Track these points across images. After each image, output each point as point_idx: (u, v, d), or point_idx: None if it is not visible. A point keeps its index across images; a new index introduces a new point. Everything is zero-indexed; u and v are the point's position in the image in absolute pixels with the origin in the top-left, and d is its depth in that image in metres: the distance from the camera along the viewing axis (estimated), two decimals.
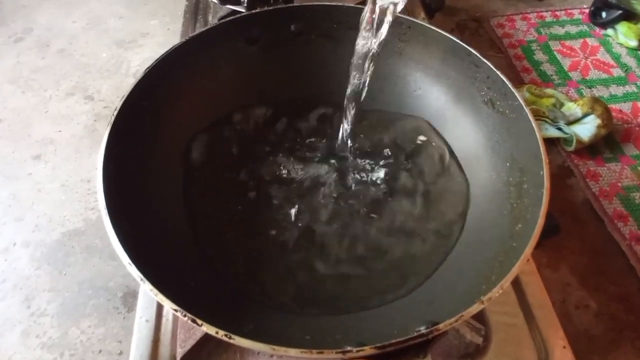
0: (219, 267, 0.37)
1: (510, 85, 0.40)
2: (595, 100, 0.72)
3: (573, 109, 0.73)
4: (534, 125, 0.37)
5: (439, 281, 0.36)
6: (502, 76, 0.41)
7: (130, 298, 0.55)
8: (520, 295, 0.42)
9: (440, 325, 0.26)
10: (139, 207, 0.36)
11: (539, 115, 0.73)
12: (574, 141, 0.70)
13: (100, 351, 0.51)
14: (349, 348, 0.27)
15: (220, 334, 0.26)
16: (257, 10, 0.47)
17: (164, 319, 0.40)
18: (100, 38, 0.87)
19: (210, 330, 0.26)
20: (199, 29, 0.45)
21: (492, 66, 0.42)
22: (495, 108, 0.42)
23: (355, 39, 0.48)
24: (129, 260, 0.29)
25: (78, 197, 0.65)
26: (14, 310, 0.54)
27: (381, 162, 0.46)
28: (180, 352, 0.38)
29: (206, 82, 0.46)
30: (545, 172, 0.34)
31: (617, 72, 0.83)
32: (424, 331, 0.26)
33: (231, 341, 0.26)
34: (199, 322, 0.26)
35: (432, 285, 0.36)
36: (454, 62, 0.45)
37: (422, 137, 0.47)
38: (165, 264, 0.33)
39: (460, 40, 0.44)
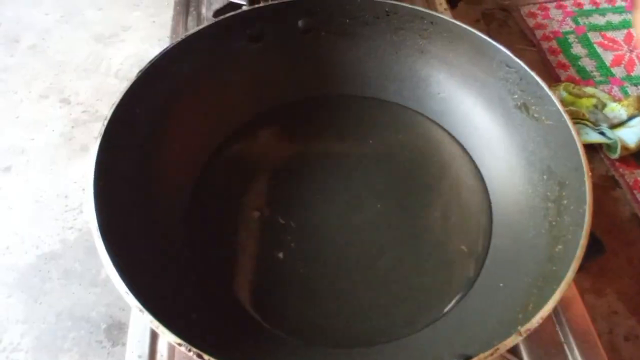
0: (221, 295, 0.38)
1: (546, 88, 0.42)
2: None
3: (617, 110, 0.74)
4: (573, 133, 0.38)
5: (469, 309, 0.38)
6: (536, 77, 0.42)
7: (115, 330, 0.57)
8: (559, 324, 0.44)
9: (481, 356, 0.28)
10: (133, 226, 0.37)
11: (578, 118, 0.75)
12: (619, 147, 0.71)
13: None
14: None
15: None
16: (260, 5, 0.49)
17: (158, 355, 0.41)
18: (76, 32, 0.89)
19: None
20: (195, 27, 0.46)
21: (525, 66, 0.44)
22: (529, 113, 0.44)
23: (371, 36, 0.50)
24: (126, 289, 0.30)
25: (54, 214, 0.66)
26: None
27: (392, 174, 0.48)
28: None
29: (205, 86, 0.48)
30: (588, 187, 0.36)
31: None
32: None
33: None
34: (206, 357, 0.28)
35: (460, 313, 0.38)
36: (482, 62, 0.46)
37: (442, 148, 0.50)
38: (164, 292, 0.34)
39: (488, 36, 0.46)
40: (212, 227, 0.44)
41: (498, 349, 0.28)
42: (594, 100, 0.76)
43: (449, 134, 0.49)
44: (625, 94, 0.82)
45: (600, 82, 0.83)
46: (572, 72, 0.85)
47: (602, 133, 0.73)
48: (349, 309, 0.39)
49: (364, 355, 0.36)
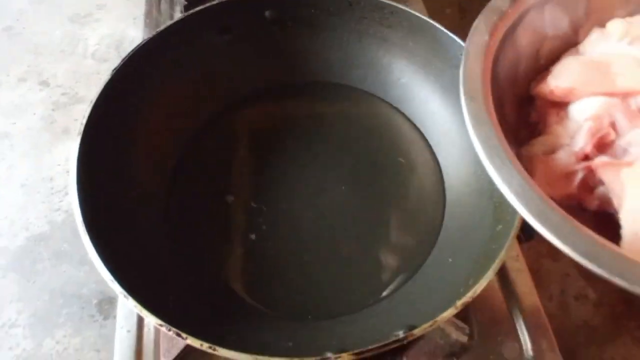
0: (200, 275, 0.43)
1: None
2: None
3: None
4: None
5: (421, 283, 0.42)
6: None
7: (105, 305, 0.61)
8: (507, 292, 0.49)
9: (415, 331, 0.32)
10: (116, 217, 0.41)
11: None
12: None
13: None
14: (328, 354, 0.33)
15: (205, 347, 0.32)
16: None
17: (145, 329, 0.46)
18: (51, 13, 0.90)
19: (195, 343, 0.32)
20: (168, 22, 0.49)
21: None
22: None
23: (336, 26, 0.53)
24: (111, 277, 0.34)
25: (41, 197, 0.69)
26: None
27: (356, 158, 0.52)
28: None
29: (179, 78, 0.51)
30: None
31: None
32: (399, 337, 0.33)
33: (215, 352, 0.32)
34: (184, 335, 0.32)
35: (413, 286, 0.42)
36: (439, 51, 0.50)
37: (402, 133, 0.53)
38: (146, 276, 0.38)
39: (445, 27, 0.49)
40: (189, 212, 0.48)
41: (436, 321, 0.33)
42: None
43: (409, 119, 0.53)
44: None
45: None
46: None
47: None
48: (314, 284, 0.44)
49: (328, 325, 0.40)
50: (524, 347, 0.45)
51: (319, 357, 0.32)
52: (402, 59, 0.53)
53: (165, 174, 0.49)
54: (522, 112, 0.49)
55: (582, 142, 0.42)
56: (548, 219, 0.34)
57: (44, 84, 0.81)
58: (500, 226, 0.40)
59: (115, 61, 0.84)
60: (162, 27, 0.48)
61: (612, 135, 0.42)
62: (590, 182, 0.42)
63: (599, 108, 0.43)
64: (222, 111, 0.54)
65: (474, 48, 0.42)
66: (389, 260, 0.45)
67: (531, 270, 0.66)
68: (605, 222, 0.39)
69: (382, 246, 0.46)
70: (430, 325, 0.33)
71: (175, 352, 0.43)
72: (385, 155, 0.51)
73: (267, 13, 0.52)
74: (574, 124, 0.44)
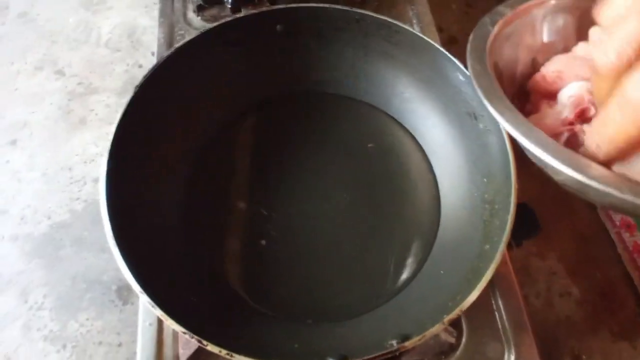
0: (215, 281, 0.47)
1: (487, 102, 0.48)
2: None
3: None
4: (508, 148, 0.46)
5: (415, 292, 0.47)
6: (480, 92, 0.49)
7: (124, 291, 0.67)
8: (494, 296, 0.53)
9: (407, 344, 0.37)
10: (142, 229, 0.45)
11: None
12: None
13: (100, 343, 0.63)
14: None
15: (223, 353, 0.37)
16: (242, 15, 0.53)
17: (165, 323, 0.51)
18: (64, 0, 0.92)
19: (215, 349, 0.37)
20: (181, 41, 0.52)
21: (475, 80, 0.50)
22: (477, 120, 0.51)
23: (343, 40, 0.56)
24: (140, 290, 0.39)
25: (60, 187, 0.74)
26: (12, 305, 0.65)
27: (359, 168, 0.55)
28: (182, 352, 0.49)
29: (195, 90, 0.54)
30: (513, 199, 0.44)
31: None
32: (393, 348, 0.37)
33: (233, 359, 0.37)
34: (205, 342, 0.37)
35: (407, 295, 0.47)
36: (441, 70, 0.52)
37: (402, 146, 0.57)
38: (169, 285, 0.43)
39: (447, 51, 0.52)
40: (204, 218, 0.52)
41: (425, 335, 0.38)
42: None
43: (410, 133, 0.57)
44: None
45: None
46: None
47: None
48: (318, 289, 0.49)
49: (328, 329, 0.45)
50: (505, 348, 0.51)
51: None
52: (405, 75, 0.56)
53: (181, 181, 0.53)
54: (518, 106, 0.54)
55: (566, 112, 0.48)
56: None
57: (60, 73, 0.84)
58: (487, 246, 0.44)
59: (128, 51, 0.88)
60: (177, 45, 0.51)
61: (592, 111, 0.48)
62: (574, 144, 0.47)
63: (580, 88, 0.48)
64: (234, 120, 0.57)
65: (479, 35, 0.47)
66: (387, 268, 0.50)
67: (520, 268, 0.72)
68: None
69: (380, 254, 0.50)
70: (420, 339, 0.37)
71: (193, 344, 0.48)
72: (385, 167, 0.55)
73: (278, 27, 0.55)
74: (561, 107, 0.49)
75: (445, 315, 0.39)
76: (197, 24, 0.72)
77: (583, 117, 0.48)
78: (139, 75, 0.84)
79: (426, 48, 0.52)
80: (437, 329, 0.38)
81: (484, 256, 0.44)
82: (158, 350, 0.49)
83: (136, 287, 0.39)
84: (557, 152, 0.38)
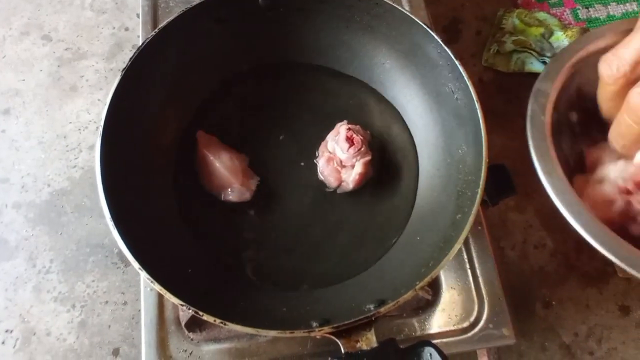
0: (210, 252, 0.51)
1: (467, 79, 0.50)
2: (584, 31, 0.80)
3: (561, 39, 0.82)
4: (482, 124, 0.48)
5: (393, 258, 0.51)
6: (460, 68, 0.51)
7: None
8: (469, 254, 0.58)
9: (381, 309, 0.42)
10: (137, 208, 0.49)
11: (525, 47, 0.82)
12: None
13: (107, 302, 0.68)
14: (314, 324, 0.42)
15: (217, 322, 0.41)
16: None
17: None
18: None
19: (209, 319, 0.41)
20: (168, 17, 0.53)
21: (452, 55, 0.51)
22: (453, 93, 0.53)
23: (325, 12, 0.57)
24: (139, 266, 0.43)
25: (57, 154, 0.76)
26: (21, 269, 0.69)
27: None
28: (182, 314, 0.54)
29: (180, 68, 0.56)
30: (483, 173, 0.47)
31: None
32: (370, 312, 0.42)
33: (226, 327, 0.41)
34: (201, 313, 0.41)
35: (386, 262, 0.51)
36: (420, 43, 0.54)
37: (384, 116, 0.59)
38: (166, 259, 0.47)
39: (425, 23, 0.53)
40: (195, 191, 0.55)
41: (399, 301, 0.42)
42: (541, 30, 0.83)
43: (390, 103, 0.59)
44: (576, 17, 0.88)
45: (554, 5, 0.89)
46: None
47: (545, 62, 0.81)
48: (305, 257, 0.53)
49: (314, 295, 0.50)
50: (477, 302, 0.55)
51: (305, 330, 0.41)
52: (385, 46, 0.57)
53: (171, 156, 0.56)
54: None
55: (623, 177, 0.55)
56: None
57: (46, 38, 0.84)
58: (459, 215, 0.48)
59: (113, 13, 0.88)
60: (162, 25, 0.52)
61: None
62: (631, 213, 0.55)
63: None
64: (219, 92, 0.59)
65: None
66: (368, 235, 0.54)
67: (498, 222, 0.76)
68: None
69: (362, 222, 0.54)
70: (394, 305, 0.42)
71: None
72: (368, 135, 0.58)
73: (260, 1, 0.56)
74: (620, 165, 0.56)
75: (417, 282, 0.43)
76: None
77: None
78: (126, 38, 0.85)
79: (404, 20, 0.54)
80: (409, 295, 0.42)
81: (456, 225, 0.47)
82: (160, 313, 0.54)
83: (135, 264, 0.43)
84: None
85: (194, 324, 0.52)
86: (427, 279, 0.43)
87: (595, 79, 0.51)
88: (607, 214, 0.55)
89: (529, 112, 0.55)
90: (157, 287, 0.42)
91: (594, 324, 0.68)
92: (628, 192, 0.55)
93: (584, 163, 0.62)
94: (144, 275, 0.43)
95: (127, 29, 0.86)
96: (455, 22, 0.88)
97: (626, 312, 0.68)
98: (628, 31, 0.48)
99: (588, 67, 0.55)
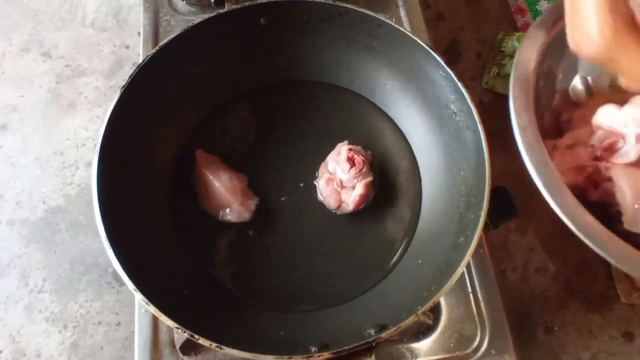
0: (207, 274, 0.50)
1: (469, 100, 0.50)
2: None
3: None
4: (484, 144, 0.48)
5: (394, 281, 0.50)
6: (463, 89, 0.50)
7: None
8: (470, 278, 0.57)
9: (382, 335, 0.40)
10: (133, 227, 0.48)
11: None
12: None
13: (99, 322, 0.66)
14: (313, 349, 0.41)
15: (213, 346, 0.40)
16: (226, 10, 0.54)
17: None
18: None
19: (205, 343, 0.40)
20: (169, 36, 0.52)
21: (454, 76, 0.51)
22: (456, 115, 0.52)
23: (325, 31, 0.57)
24: (134, 287, 0.42)
25: (54, 171, 0.75)
26: (13, 287, 0.68)
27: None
28: (177, 337, 0.52)
29: (181, 86, 0.55)
30: (486, 195, 0.46)
31: None
32: (370, 338, 0.41)
33: (222, 351, 0.40)
34: (196, 337, 0.40)
35: (387, 284, 0.50)
36: (421, 64, 0.54)
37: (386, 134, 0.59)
38: (161, 280, 0.46)
39: (427, 44, 0.53)
40: (193, 212, 0.54)
41: (400, 326, 0.41)
42: None
43: (393, 121, 0.58)
44: None
45: None
46: (528, 17, 0.90)
47: None
48: (303, 279, 0.52)
49: (312, 318, 0.49)
50: (479, 327, 0.54)
51: (304, 355, 0.40)
52: (387, 67, 0.57)
53: (168, 176, 0.55)
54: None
55: (595, 144, 0.55)
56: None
57: (46, 54, 0.84)
58: (462, 238, 0.47)
59: (114, 31, 0.88)
60: (162, 43, 0.52)
61: (621, 144, 0.54)
62: (597, 179, 0.55)
63: (612, 117, 0.55)
64: (221, 110, 0.59)
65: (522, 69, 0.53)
66: (369, 258, 0.53)
67: (499, 244, 0.75)
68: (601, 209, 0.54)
69: (364, 244, 0.53)
70: (395, 331, 0.41)
71: None
72: (371, 156, 0.57)
73: (262, 20, 0.56)
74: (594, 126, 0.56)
75: (419, 307, 0.42)
76: (182, 8, 0.72)
77: (611, 150, 0.54)
78: (127, 56, 0.85)
79: (406, 42, 0.53)
80: (411, 320, 0.41)
81: (458, 248, 0.46)
82: (154, 335, 0.53)
83: (130, 284, 0.42)
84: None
85: (188, 347, 0.50)
86: (429, 304, 0.42)
87: None
88: (576, 180, 0.56)
89: (515, 59, 0.54)
90: (152, 309, 0.41)
91: (597, 350, 0.67)
92: (597, 159, 0.55)
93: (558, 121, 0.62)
94: (138, 296, 0.42)
95: (127, 47, 0.86)
96: (455, 44, 0.88)
97: (630, 339, 0.67)
98: None
99: None
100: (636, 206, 0.51)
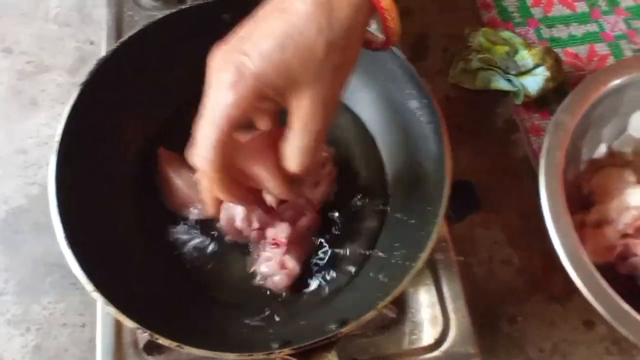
0: (170, 272, 0.50)
1: (430, 96, 0.50)
2: (547, 50, 0.82)
3: (525, 58, 0.83)
4: (445, 143, 0.49)
5: (359, 279, 0.51)
6: (423, 85, 0.51)
7: None
8: (434, 271, 0.58)
9: (343, 330, 0.41)
10: (94, 227, 0.47)
11: (491, 65, 0.84)
12: (522, 94, 0.82)
13: (64, 324, 0.65)
14: (274, 346, 0.41)
15: (174, 345, 0.40)
16: (190, 5, 0.54)
17: None
18: None
19: (165, 342, 0.40)
20: (125, 35, 0.52)
21: (413, 69, 0.52)
22: (418, 113, 0.53)
23: None
24: (93, 288, 0.41)
25: (16, 170, 0.74)
26: None
27: None
28: (141, 338, 0.52)
29: (145, 84, 0.55)
30: (446, 189, 0.47)
31: (581, 7, 0.93)
32: (331, 333, 0.41)
33: (183, 350, 0.40)
34: (156, 336, 0.40)
35: (354, 283, 0.51)
36: (383, 61, 0.54)
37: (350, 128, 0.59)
38: (122, 280, 0.45)
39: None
40: (156, 210, 0.54)
41: (360, 321, 0.41)
42: (506, 48, 0.84)
43: (358, 117, 0.59)
44: (539, 36, 0.90)
45: (519, 24, 0.91)
46: (494, 13, 0.91)
47: (510, 80, 0.83)
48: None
49: (276, 315, 0.49)
50: (443, 320, 0.55)
51: (265, 352, 0.40)
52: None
53: (132, 171, 0.55)
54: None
55: (626, 223, 0.59)
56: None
57: (7, 50, 0.83)
58: (422, 232, 0.48)
59: (78, 26, 0.86)
60: (123, 39, 0.51)
61: None
62: (625, 254, 0.59)
63: None
64: (183, 106, 0.58)
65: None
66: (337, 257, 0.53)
67: (466, 238, 0.76)
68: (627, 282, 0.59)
69: (331, 244, 0.54)
70: (355, 325, 0.41)
71: None
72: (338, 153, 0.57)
73: (225, 16, 0.55)
74: (623, 204, 0.60)
75: (380, 302, 0.43)
76: (146, 3, 0.72)
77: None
78: (91, 52, 0.84)
79: None
80: (371, 315, 0.42)
81: (419, 243, 0.47)
82: (117, 336, 0.52)
83: (89, 286, 0.42)
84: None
85: (152, 347, 0.50)
86: (389, 298, 0.42)
87: None
88: (607, 259, 0.59)
89: (545, 145, 0.56)
90: (111, 310, 0.41)
91: (559, 339, 0.68)
92: (627, 236, 0.59)
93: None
94: (96, 296, 0.41)
95: (92, 43, 0.85)
96: (423, 39, 0.89)
97: (590, 327, 0.69)
98: None
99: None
100: None
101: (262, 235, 0.50)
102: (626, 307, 0.50)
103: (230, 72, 0.36)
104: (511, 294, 0.72)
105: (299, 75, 0.35)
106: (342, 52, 0.36)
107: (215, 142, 0.36)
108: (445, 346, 0.54)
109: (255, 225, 0.49)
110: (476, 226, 0.76)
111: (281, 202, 0.51)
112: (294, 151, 0.38)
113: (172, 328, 0.41)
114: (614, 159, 0.70)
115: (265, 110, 0.42)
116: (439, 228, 0.46)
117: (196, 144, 0.37)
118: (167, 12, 0.53)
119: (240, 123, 0.37)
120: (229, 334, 0.46)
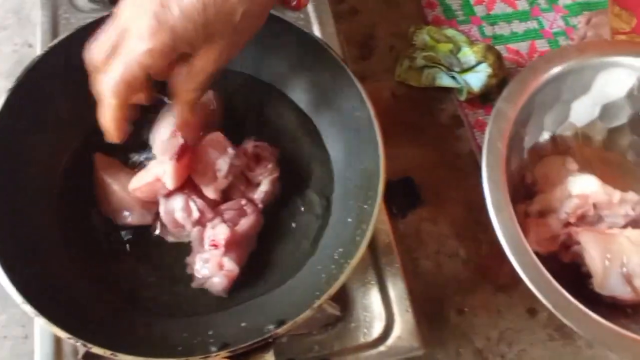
0: (102, 281, 0.49)
1: (364, 96, 0.51)
2: (489, 48, 0.85)
3: (468, 55, 0.85)
4: (379, 141, 0.49)
5: (299, 278, 0.51)
6: (357, 84, 0.52)
7: None
8: (377, 267, 0.59)
9: (279, 330, 0.41)
10: (20, 237, 0.46)
11: (435, 62, 0.85)
12: (465, 91, 0.84)
13: (5, 337, 0.64)
14: (213, 349, 0.42)
15: (107, 353, 0.39)
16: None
17: None
18: None
19: (99, 351, 0.39)
20: (54, 40, 0.51)
21: (350, 73, 0.53)
22: (354, 111, 0.54)
23: None
24: (23, 300, 0.40)
25: None
26: None
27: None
28: (80, 348, 0.51)
29: (78, 89, 0.53)
30: (380, 187, 0.48)
31: (522, 5, 0.96)
32: (266, 335, 0.41)
33: (117, 358, 0.40)
34: (89, 345, 0.40)
35: (292, 282, 0.51)
36: (322, 58, 0.55)
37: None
38: (52, 291, 0.44)
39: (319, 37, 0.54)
40: (91, 219, 0.53)
41: (297, 321, 0.42)
42: (450, 46, 0.87)
43: (310, 118, 0.59)
44: (482, 33, 0.93)
45: (462, 22, 0.93)
46: (438, 11, 0.93)
47: (453, 77, 0.85)
48: None
49: (214, 318, 0.49)
50: (387, 317, 0.56)
51: (203, 355, 0.40)
52: (287, 64, 0.58)
53: (61, 178, 0.54)
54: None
55: (568, 212, 0.60)
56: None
57: None
58: (359, 230, 0.48)
59: (15, 29, 0.84)
60: (53, 42, 0.51)
61: (591, 212, 0.60)
62: (568, 243, 0.60)
63: (587, 186, 0.60)
64: None
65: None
66: (279, 256, 0.53)
67: (413, 233, 0.78)
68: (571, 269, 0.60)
69: (273, 241, 0.54)
70: (292, 325, 0.42)
71: None
72: (284, 152, 0.57)
73: None
74: (565, 193, 0.61)
75: (316, 301, 0.43)
76: (84, 6, 0.70)
77: (583, 218, 0.60)
78: (29, 55, 0.81)
79: (301, 36, 0.54)
80: (308, 314, 0.42)
81: (355, 241, 0.48)
82: (57, 347, 0.51)
83: (17, 297, 0.41)
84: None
85: (91, 356, 0.49)
86: (325, 297, 0.43)
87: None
88: (551, 248, 0.61)
89: (487, 135, 0.57)
90: (42, 321, 0.40)
91: (505, 328, 0.71)
92: (569, 224, 0.60)
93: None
94: (27, 308, 0.41)
95: (30, 46, 0.82)
96: (369, 38, 0.90)
97: (533, 314, 0.71)
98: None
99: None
100: (605, 270, 0.55)
101: (202, 233, 0.50)
102: (567, 295, 0.51)
103: (150, 19, 0.38)
104: (459, 286, 0.74)
105: (215, 32, 0.40)
106: (255, 18, 0.43)
107: (124, 79, 0.39)
108: (390, 341, 0.55)
109: (196, 214, 0.49)
110: (423, 221, 0.78)
111: (221, 201, 0.51)
112: (191, 85, 0.44)
113: (106, 337, 0.41)
114: (557, 147, 0.72)
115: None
116: (374, 226, 0.46)
117: (107, 72, 0.40)
118: (101, 15, 0.52)
119: (147, 76, 0.40)
120: (168, 339, 0.45)
